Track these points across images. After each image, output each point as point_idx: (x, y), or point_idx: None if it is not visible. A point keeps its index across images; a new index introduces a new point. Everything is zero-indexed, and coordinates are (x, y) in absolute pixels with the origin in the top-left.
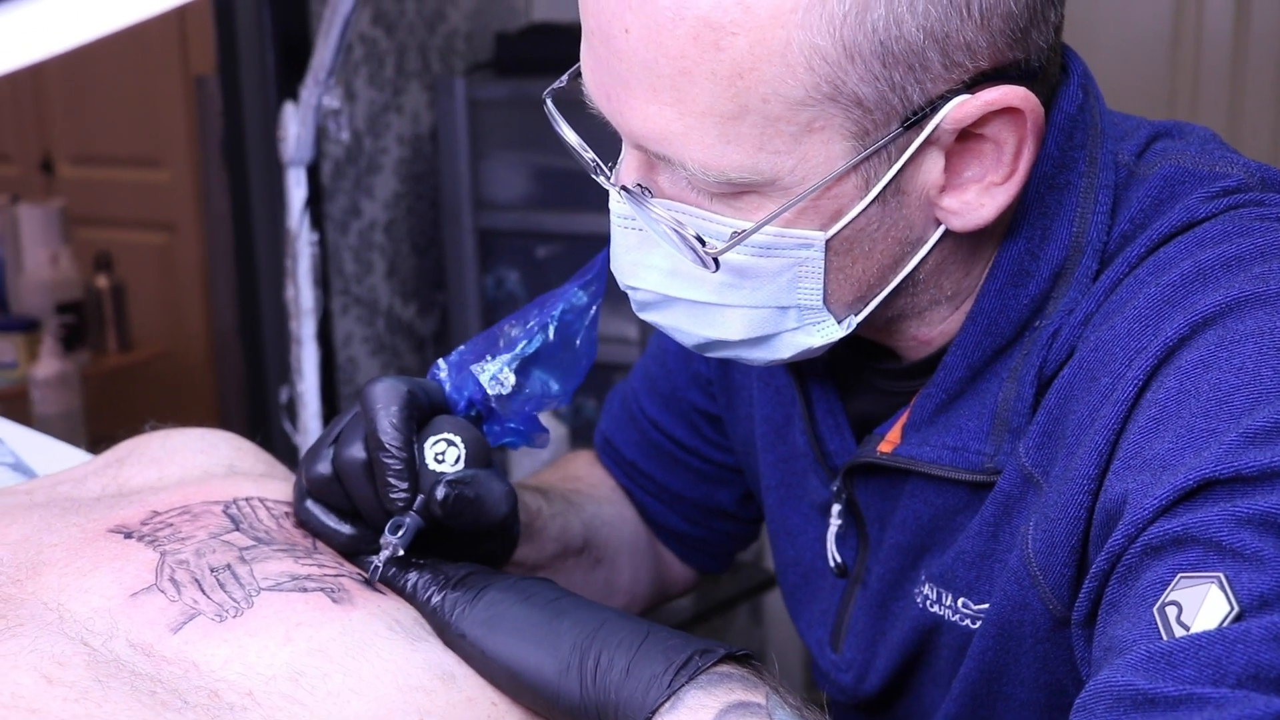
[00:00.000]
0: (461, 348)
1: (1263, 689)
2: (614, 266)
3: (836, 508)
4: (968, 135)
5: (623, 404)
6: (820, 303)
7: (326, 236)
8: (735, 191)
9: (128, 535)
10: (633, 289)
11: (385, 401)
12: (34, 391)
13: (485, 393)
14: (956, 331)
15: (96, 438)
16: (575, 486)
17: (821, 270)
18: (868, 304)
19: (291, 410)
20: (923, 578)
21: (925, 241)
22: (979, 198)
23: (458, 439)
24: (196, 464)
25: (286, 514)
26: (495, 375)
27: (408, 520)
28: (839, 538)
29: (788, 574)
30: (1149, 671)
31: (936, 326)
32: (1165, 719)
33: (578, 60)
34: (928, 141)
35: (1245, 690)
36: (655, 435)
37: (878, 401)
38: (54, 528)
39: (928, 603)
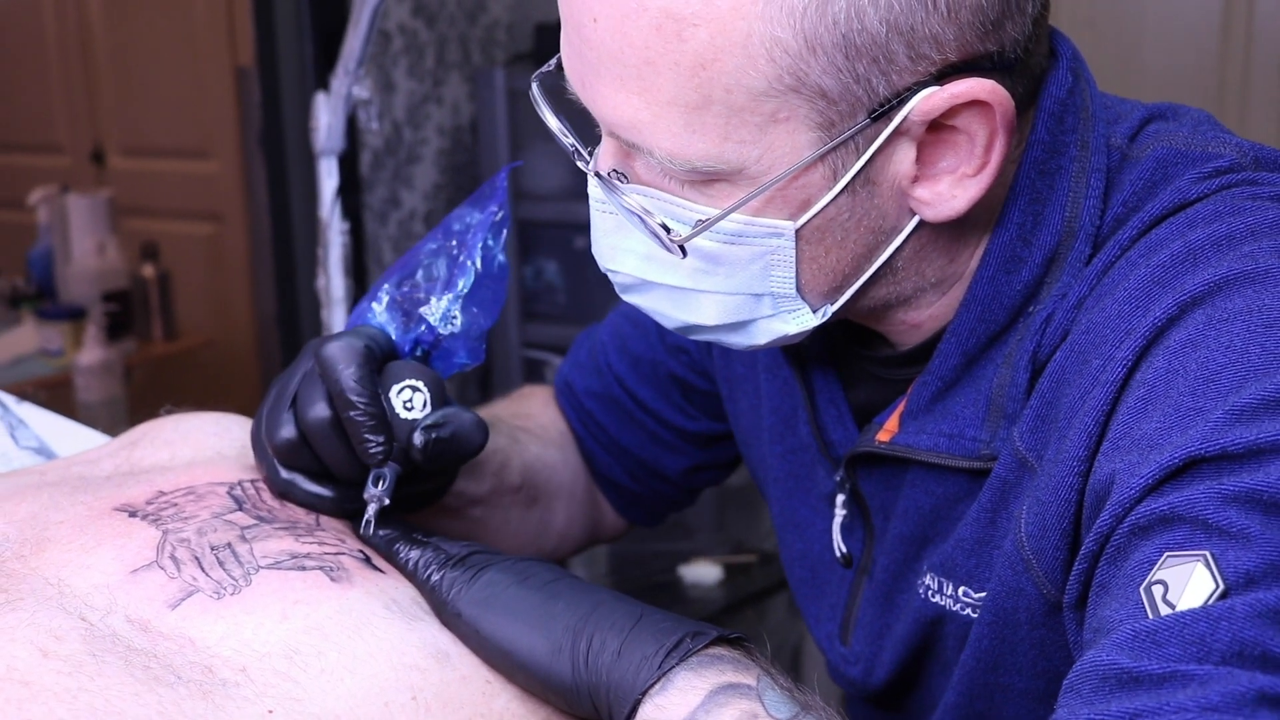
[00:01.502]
0: (382, 284)
1: (1247, 666)
2: (594, 250)
3: (841, 498)
4: (939, 126)
5: (590, 353)
6: (794, 291)
7: (365, 227)
8: (705, 179)
9: (132, 514)
10: (612, 272)
11: (345, 360)
12: (77, 379)
13: (436, 334)
14: (948, 316)
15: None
16: (524, 425)
17: (793, 259)
18: (843, 293)
19: None
20: (925, 568)
21: (900, 231)
22: (951, 189)
23: (420, 383)
24: (208, 446)
25: None
26: (445, 314)
27: (387, 471)
28: (846, 529)
29: (796, 567)
30: (1134, 650)
31: (925, 311)
32: (1149, 697)
33: None
34: (897, 132)
35: (1229, 667)
36: (617, 390)
37: (878, 390)
38: (61, 506)
39: (930, 593)
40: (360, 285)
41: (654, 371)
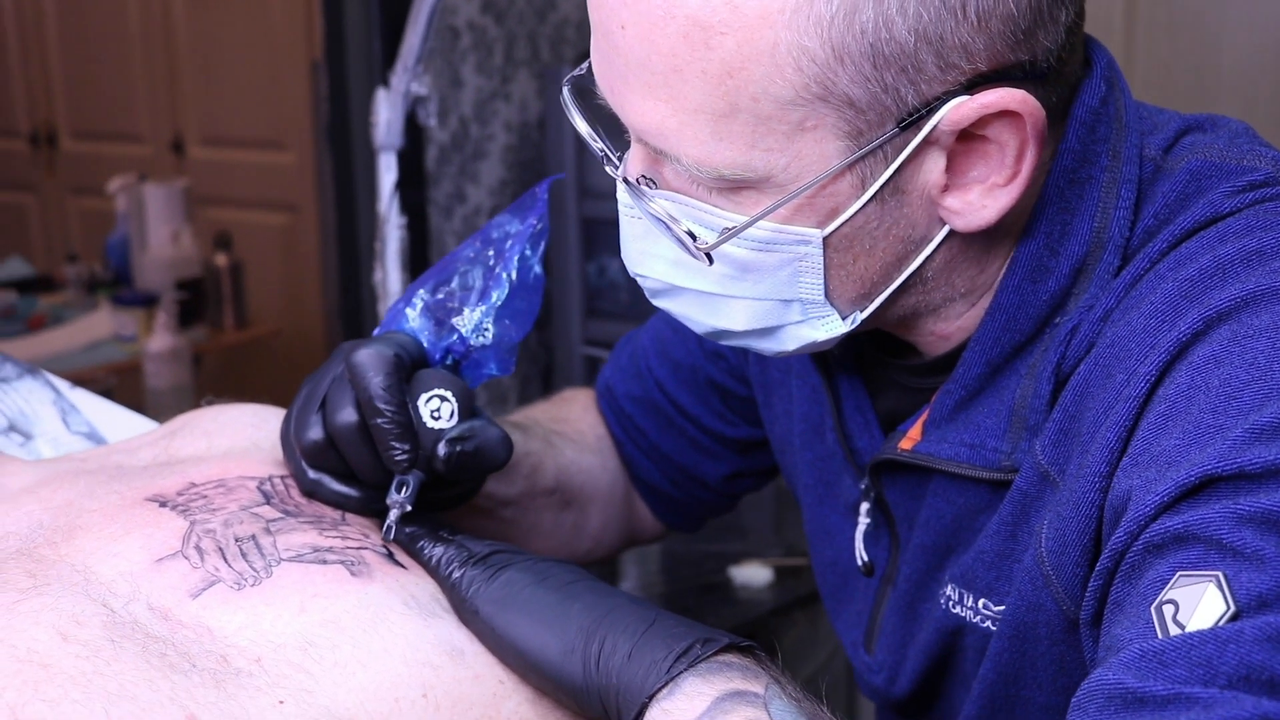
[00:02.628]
0: (417, 289)
1: (1253, 690)
2: (623, 254)
3: (865, 506)
4: (970, 136)
5: (631, 357)
6: (822, 297)
7: (429, 222)
8: (733, 187)
9: (162, 504)
10: (641, 277)
11: (375, 368)
12: (147, 365)
13: (467, 344)
14: (976, 327)
15: None
16: (560, 429)
17: (821, 266)
18: (872, 300)
19: None
20: (946, 579)
21: (930, 240)
22: (982, 199)
23: (449, 393)
24: (245, 438)
25: None
26: (478, 326)
27: (411, 478)
28: (871, 537)
29: (827, 575)
30: (1140, 670)
31: (954, 322)
32: (1153, 718)
33: None
34: (927, 142)
35: (1235, 691)
36: (657, 395)
37: (904, 398)
38: (96, 494)
39: (950, 604)
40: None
41: (694, 377)
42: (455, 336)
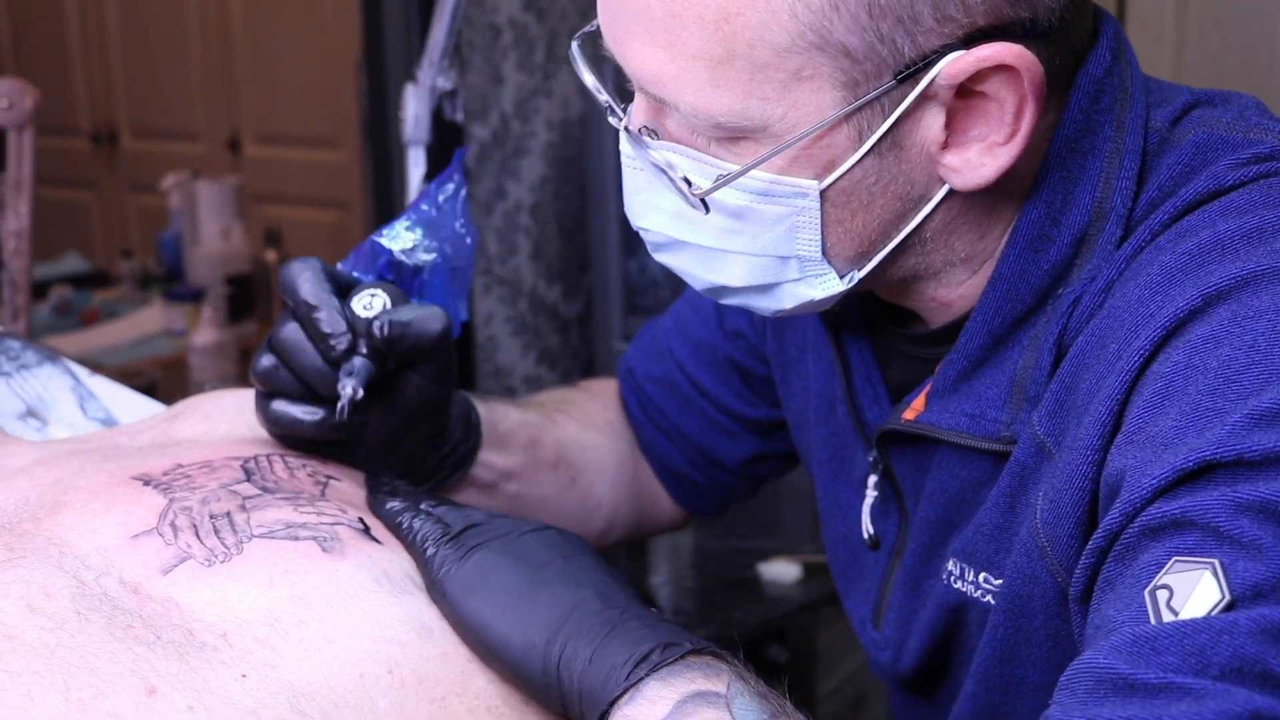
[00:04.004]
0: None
1: (1245, 683)
2: (625, 207)
3: (873, 479)
4: (969, 93)
5: (653, 339)
6: (819, 254)
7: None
8: (731, 136)
9: (146, 483)
10: (643, 230)
11: (299, 270)
12: (192, 358)
13: (394, 256)
14: (978, 296)
15: None
16: (564, 408)
17: (818, 222)
18: (870, 259)
19: None
20: (949, 553)
21: (929, 200)
22: (981, 156)
23: (379, 289)
24: (245, 421)
25: (304, 465)
26: (394, 233)
27: (355, 362)
28: (880, 511)
29: (838, 550)
30: (1132, 656)
31: (955, 289)
32: (1143, 706)
33: None
34: (925, 97)
35: (1227, 684)
36: (677, 375)
37: (912, 369)
38: (86, 472)
39: (952, 579)
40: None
41: (713, 356)
42: (383, 259)
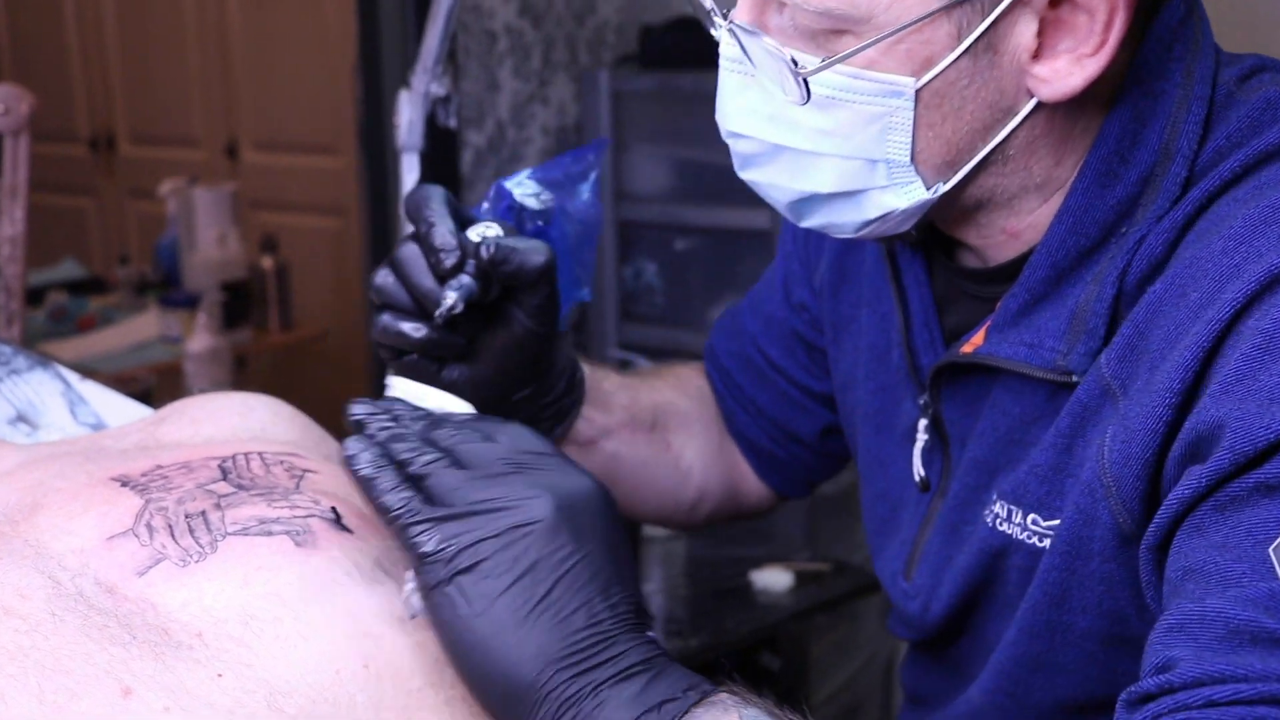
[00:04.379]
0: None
1: None
2: (719, 114)
3: (923, 423)
4: (1060, 3)
5: (731, 317)
6: (908, 160)
7: None
8: (835, 29)
9: (124, 484)
10: (735, 135)
11: (422, 195)
12: (186, 365)
13: (509, 196)
14: (1043, 230)
15: None
16: (658, 374)
17: (910, 123)
18: (956, 171)
19: None
20: (994, 496)
21: (1016, 113)
22: (1069, 67)
23: (495, 224)
24: (230, 425)
25: (280, 461)
26: (518, 180)
27: (462, 279)
28: (927, 456)
29: (876, 507)
30: (1269, 609)
31: (1025, 218)
32: None
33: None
34: (1021, 2)
35: None
36: (750, 349)
37: (970, 311)
38: (66, 474)
39: (998, 521)
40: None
41: (781, 330)
42: (504, 203)
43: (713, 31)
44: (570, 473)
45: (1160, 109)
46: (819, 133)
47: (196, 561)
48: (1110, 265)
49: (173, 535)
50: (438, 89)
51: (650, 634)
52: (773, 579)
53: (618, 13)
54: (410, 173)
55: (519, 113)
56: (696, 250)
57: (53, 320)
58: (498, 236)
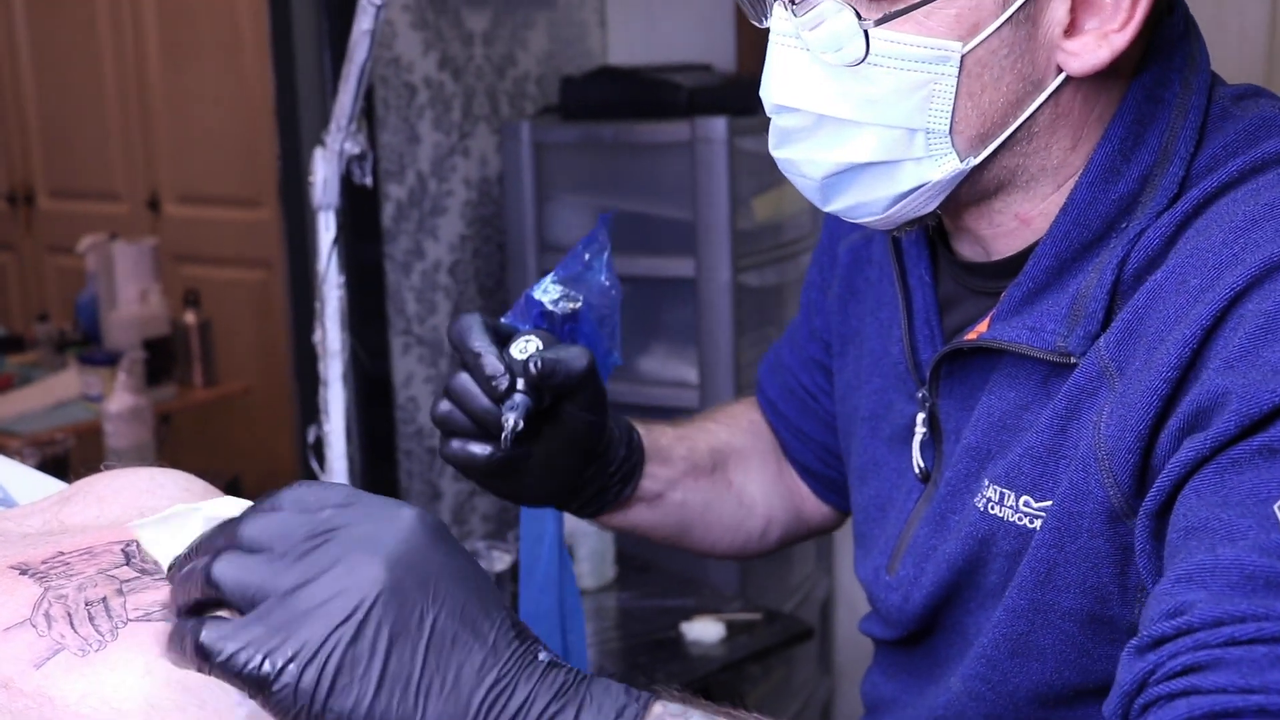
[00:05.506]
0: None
1: None
2: (766, 88)
3: (921, 416)
4: None
5: (774, 351)
6: (947, 129)
7: (386, 277)
8: None
9: (23, 572)
10: (780, 109)
11: (463, 326)
12: (106, 425)
13: (544, 307)
14: (1049, 222)
15: None
16: (711, 417)
17: (953, 92)
18: (988, 144)
19: (319, 450)
20: (986, 482)
21: (1044, 88)
22: (1097, 43)
23: (533, 336)
24: (138, 504)
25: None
26: (543, 287)
27: (515, 398)
28: (923, 448)
29: (868, 511)
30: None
31: (1038, 205)
32: None
33: (642, 103)
34: None
35: None
36: (791, 380)
37: (970, 310)
38: None
39: (989, 505)
40: (369, 338)
41: (809, 358)
42: (536, 310)
43: (758, 24)
44: (379, 513)
45: (1161, 114)
46: (865, 101)
47: (96, 650)
48: (1110, 256)
49: (72, 624)
50: (352, 146)
51: (541, 655)
52: (704, 630)
53: (538, 64)
54: (327, 231)
55: (440, 165)
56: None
57: None
58: (539, 350)
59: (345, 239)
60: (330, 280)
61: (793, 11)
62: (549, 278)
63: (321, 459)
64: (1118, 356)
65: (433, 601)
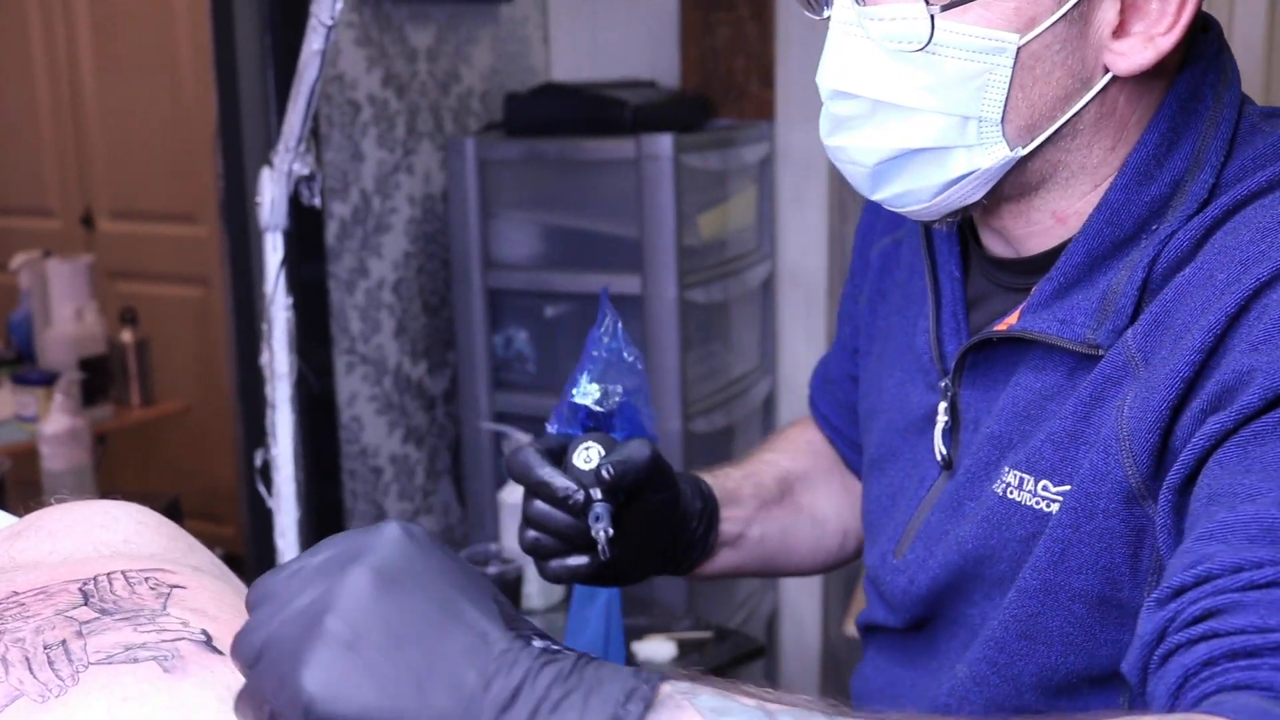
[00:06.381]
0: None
1: None
2: (823, 74)
3: (943, 405)
4: None
5: (822, 365)
6: (999, 118)
7: (330, 296)
8: None
9: None
10: (837, 95)
11: (520, 459)
12: (43, 447)
13: (589, 410)
14: (1084, 219)
15: (108, 493)
16: (769, 447)
17: (1007, 82)
18: (1035, 137)
19: (266, 474)
20: (1006, 468)
21: (1091, 86)
22: (1144, 44)
23: (589, 441)
24: (91, 540)
25: (146, 579)
26: (582, 390)
27: (597, 509)
28: (944, 435)
29: (881, 500)
30: None
31: (1075, 203)
32: None
33: (587, 120)
34: None
35: None
36: (839, 393)
37: (1000, 303)
38: None
39: (1008, 489)
40: (313, 358)
41: (846, 373)
42: (581, 413)
43: (815, 15)
44: (359, 535)
45: (1194, 123)
46: (921, 89)
47: (57, 696)
48: (1141, 255)
49: (30, 669)
50: (301, 167)
51: (536, 643)
52: (655, 649)
53: (482, 81)
54: (274, 252)
55: (384, 182)
56: (566, 316)
57: None
58: (603, 457)
59: (287, 262)
60: (278, 302)
61: (853, 3)
62: (584, 378)
63: (269, 483)
64: (1144, 347)
65: (426, 599)
